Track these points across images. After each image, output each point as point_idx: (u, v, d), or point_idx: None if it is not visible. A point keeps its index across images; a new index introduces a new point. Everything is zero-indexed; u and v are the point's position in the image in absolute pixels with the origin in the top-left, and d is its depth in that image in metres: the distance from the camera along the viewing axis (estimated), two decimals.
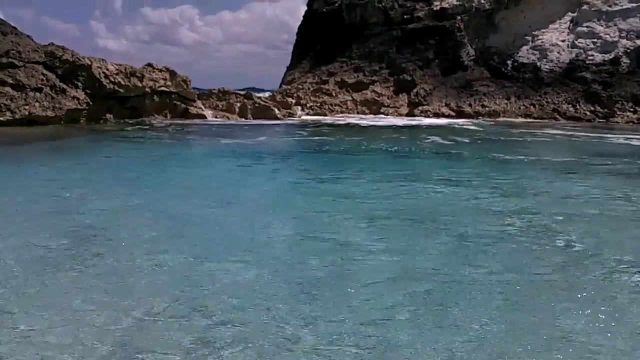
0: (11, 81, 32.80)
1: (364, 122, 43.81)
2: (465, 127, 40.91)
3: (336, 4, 61.86)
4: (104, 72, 37.27)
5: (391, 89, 55.53)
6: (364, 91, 55.25)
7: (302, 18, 68.00)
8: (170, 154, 22.95)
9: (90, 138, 29.11)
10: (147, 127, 35.80)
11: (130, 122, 37.96)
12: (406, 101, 54.05)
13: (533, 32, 54.38)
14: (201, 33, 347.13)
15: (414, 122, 44.68)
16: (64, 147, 25.02)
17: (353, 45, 59.35)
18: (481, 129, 38.71)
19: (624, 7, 51.95)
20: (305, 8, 67.47)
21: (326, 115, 50.29)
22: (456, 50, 55.21)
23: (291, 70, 64.63)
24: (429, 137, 31.63)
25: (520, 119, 48.48)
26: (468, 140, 29.89)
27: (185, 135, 32.70)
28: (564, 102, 49.72)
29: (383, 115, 51.28)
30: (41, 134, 29.02)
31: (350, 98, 54.50)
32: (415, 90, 53.95)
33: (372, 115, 51.27)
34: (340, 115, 51.07)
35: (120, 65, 39.25)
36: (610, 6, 52.54)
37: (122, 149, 23.90)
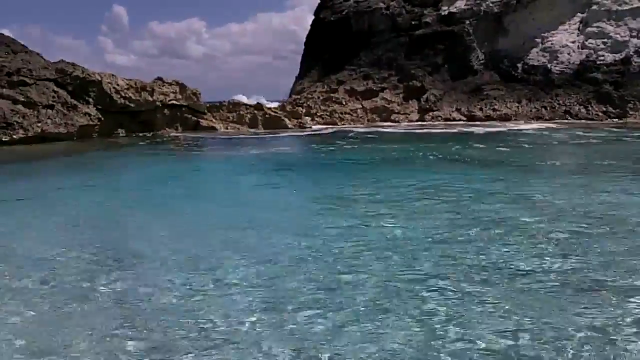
0: (23, 99, 33.03)
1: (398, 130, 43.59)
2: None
3: (343, 12, 61.91)
4: (114, 88, 37.48)
5: (401, 95, 55.40)
6: (373, 99, 55.12)
7: (309, 27, 68.15)
8: (209, 169, 23.22)
9: (117, 153, 29.47)
10: (167, 140, 36.05)
11: (148, 136, 38.25)
12: (416, 107, 53.88)
13: (542, 34, 54.07)
14: (209, 45, 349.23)
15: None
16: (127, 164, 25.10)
17: (361, 53, 59.32)
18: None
19: (634, 6, 51.50)
20: (313, 17, 67.66)
21: (336, 124, 50.15)
22: (465, 55, 55.01)
23: (300, 79, 64.69)
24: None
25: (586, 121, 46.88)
26: None
27: (208, 148, 32.97)
28: (575, 103, 49.38)
29: (430, 122, 50.68)
30: (79, 152, 29.30)
31: (360, 106, 54.35)
32: (425, 96, 53.79)
33: (383, 123, 51.07)
34: (351, 123, 50.91)
35: (130, 80, 39.47)
36: (619, 5, 52.14)
37: (151, 164, 24.16)
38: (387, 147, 29.87)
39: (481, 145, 29.21)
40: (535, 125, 44.52)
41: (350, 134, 39.81)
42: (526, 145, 29.27)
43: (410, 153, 26.18)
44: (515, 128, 42.28)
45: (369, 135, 39.18)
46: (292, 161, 25.00)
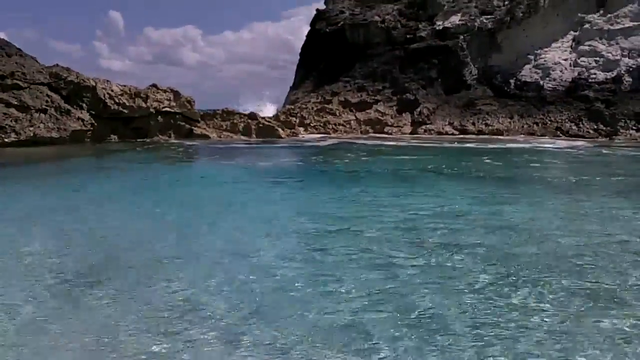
0: (16, 102, 33.10)
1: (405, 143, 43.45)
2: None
3: (339, 24, 62.24)
4: (108, 93, 37.56)
5: (394, 108, 55.64)
6: (367, 110, 55.34)
7: (304, 38, 68.51)
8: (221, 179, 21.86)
9: (110, 159, 29.28)
10: (161, 147, 35.94)
11: (146, 141, 38.34)
12: (409, 120, 54.12)
13: (535, 51, 54.56)
14: (204, 53, 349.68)
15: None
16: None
17: (356, 65, 59.61)
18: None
19: (626, 25, 52.11)
20: (309, 28, 68.00)
21: (329, 135, 50.32)
22: (459, 70, 55.39)
23: (295, 90, 64.90)
24: None
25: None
26: None
27: (208, 156, 32.56)
28: (567, 120, 49.71)
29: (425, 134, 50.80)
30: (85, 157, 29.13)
31: (354, 117, 54.59)
32: (418, 110, 54.05)
33: (378, 134, 51.23)
34: (344, 134, 51.11)
35: (124, 86, 39.55)
36: (611, 25, 52.73)
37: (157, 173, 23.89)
38: (411, 160, 29.03)
39: (498, 162, 28.47)
40: (563, 142, 43.28)
41: (354, 146, 39.16)
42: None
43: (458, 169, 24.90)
44: (542, 146, 39.65)
45: (383, 148, 37.88)
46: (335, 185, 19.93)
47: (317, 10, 67.70)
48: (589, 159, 31.14)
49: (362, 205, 15.29)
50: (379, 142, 43.35)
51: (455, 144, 40.83)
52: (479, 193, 17.38)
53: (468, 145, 39.83)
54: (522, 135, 48.76)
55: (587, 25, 53.71)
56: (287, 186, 19.83)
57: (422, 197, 16.56)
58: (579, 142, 42.71)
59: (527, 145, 40.08)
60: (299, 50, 69.13)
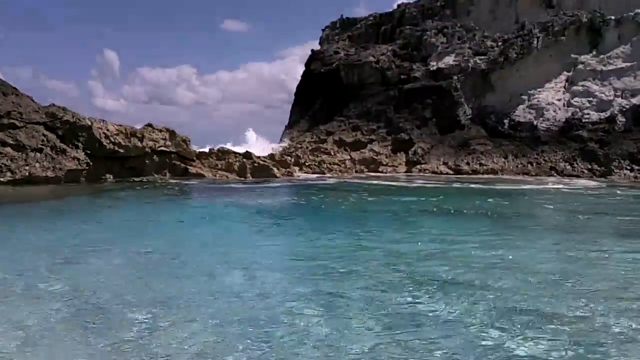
0: (12, 142, 32.88)
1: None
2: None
3: (334, 65, 62.87)
4: (104, 133, 37.42)
5: (389, 147, 55.85)
6: (362, 150, 55.51)
7: (299, 78, 69.20)
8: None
9: (117, 196, 28.85)
10: (159, 186, 35.41)
11: (144, 181, 38.00)
12: (404, 160, 54.26)
13: (529, 91, 55.15)
14: (199, 92, 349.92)
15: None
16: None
17: (351, 105, 60.06)
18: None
19: (618, 66, 52.84)
20: (303, 68, 68.73)
21: (324, 174, 50.25)
22: (453, 110, 55.82)
23: (290, 129, 65.19)
24: None
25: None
26: None
27: (208, 195, 31.80)
28: (561, 160, 49.93)
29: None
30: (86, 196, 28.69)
31: (349, 157, 54.70)
32: (413, 149, 54.24)
33: (371, 173, 51.19)
34: (339, 174, 51.05)
35: (120, 125, 39.42)
36: (604, 66, 53.44)
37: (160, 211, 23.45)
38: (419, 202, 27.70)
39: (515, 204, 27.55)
40: (592, 182, 42.26)
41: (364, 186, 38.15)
42: None
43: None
44: (546, 187, 38.30)
45: (385, 188, 36.50)
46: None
47: (312, 50, 68.63)
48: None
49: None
50: (378, 181, 43.12)
51: (462, 185, 40.22)
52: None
53: (473, 186, 39.29)
54: (529, 176, 48.58)
55: (580, 66, 54.44)
56: (307, 232, 18.36)
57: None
58: (593, 183, 42.13)
59: (536, 187, 39.03)
60: (294, 90, 69.92)
